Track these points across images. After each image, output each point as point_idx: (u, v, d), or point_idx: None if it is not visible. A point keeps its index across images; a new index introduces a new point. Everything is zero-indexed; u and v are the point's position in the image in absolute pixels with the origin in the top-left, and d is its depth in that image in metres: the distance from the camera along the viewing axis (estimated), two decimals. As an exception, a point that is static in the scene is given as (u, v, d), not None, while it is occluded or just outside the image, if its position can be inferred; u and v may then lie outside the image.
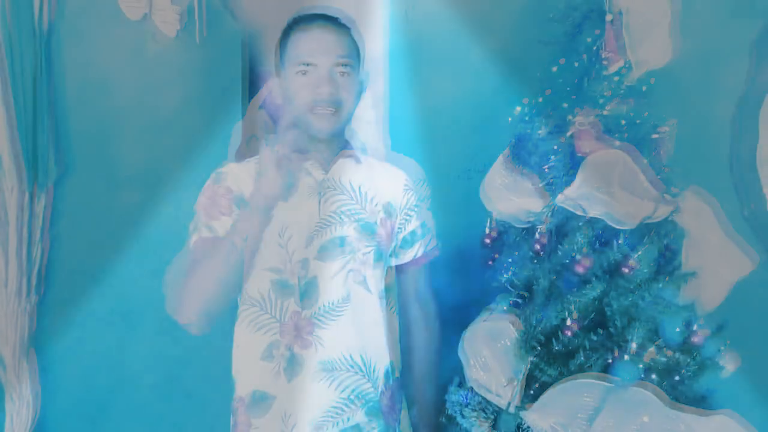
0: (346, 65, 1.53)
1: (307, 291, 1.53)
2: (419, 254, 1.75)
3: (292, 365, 1.53)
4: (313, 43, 1.52)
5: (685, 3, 1.89)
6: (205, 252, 1.49)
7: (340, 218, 1.58)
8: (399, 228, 1.70)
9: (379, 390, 1.61)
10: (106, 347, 2.28)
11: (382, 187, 1.68)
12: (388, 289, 1.68)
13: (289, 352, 1.53)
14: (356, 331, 1.56)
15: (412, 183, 1.75)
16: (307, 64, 1.51)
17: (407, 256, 1.74)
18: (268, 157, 1.38)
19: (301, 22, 1.56)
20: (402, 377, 1.71)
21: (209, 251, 1.48)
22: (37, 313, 2.16)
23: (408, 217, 1.72)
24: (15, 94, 2.08)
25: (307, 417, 1.52)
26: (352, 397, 1.55)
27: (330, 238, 1.56)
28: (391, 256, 1.71)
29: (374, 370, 1.60)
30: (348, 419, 1.55)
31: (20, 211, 2.10)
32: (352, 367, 1.55)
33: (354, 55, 1.57)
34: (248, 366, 1.58)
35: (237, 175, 1.59)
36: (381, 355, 1.62)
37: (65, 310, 2.21)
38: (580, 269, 1.67)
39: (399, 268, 1.74)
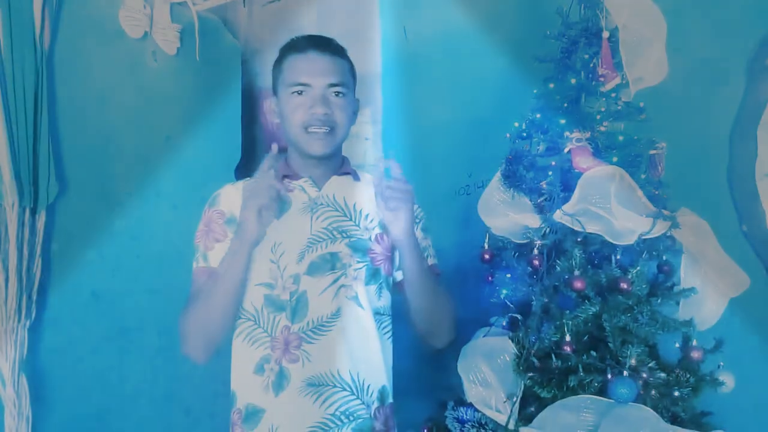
0: (340, 86, 1.55)
1: (297, 306, 1.54)
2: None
3: (280, 380, 1.53)
4: (308, 65, 1.55)
5: (680, 20, 1.90)
6: (204, 284, 1.54)
7: (332, 235, 1.58)
8: None
9: (372, 410, 1.60)
10: (105, 364, 2.27)
11: None
12: (385, 309, 1.67)
13: (278, 367, 1.54)
14: (346, 347, 1.56)
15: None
16: (302, 85, 1.54)
17: None
18: (249, 205, 1.44)
19: (296, 45, 1.59)
20: (396, 402, 1.70)
21: (207, 283, 1.53)
22: (36, 330, 2.15)
23: None
24: (16, 111, 2.09)
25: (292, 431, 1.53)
26: (338, 414, 1.54)
27: (320, 253, 1.57)
28: (397, 270, 1.71)
29: (366, 389, 1.58)
30: None
31: (20, 227, 2.10)
32: (339, 383, 1.55)
33: (348, 78, 1.60)
34: (243, 379, 1.59)
35: (230, 197, 1.61)
36: (375, 375, 1.61)
37: (64, 327, 2.20)
38: (576, 287, 1.67)
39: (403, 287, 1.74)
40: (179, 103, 2.41)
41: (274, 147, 1.48)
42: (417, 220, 1.73)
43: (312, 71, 1.54)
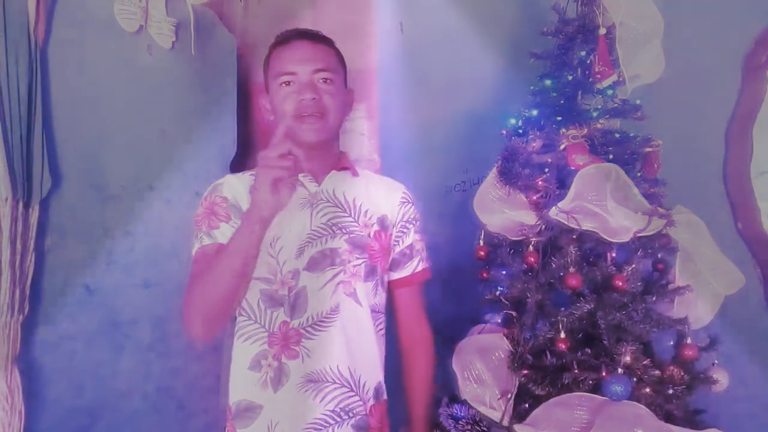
0: (326, 72, 1.55)
1: (296, 302, 1.54)
2: (418, 269, 1.74)
3: (279, 376, 1.53)
4: (292, 54, 1.56)
5: (677, 18, 1.90)
6: (208, 261, 1.48)
7: (332, 230, 1.58)
8: (395, 241, 1.70)
9: (369, 406, 1.60)
10: (98, 358, 2.26)
11: (378, 200, 1.68)
12: (380, 307, 1.67)
13: (277, 363, 1.53)
14: (345, 343, 1.56)
15: (410, 196, 1.75)
16: (289, 74, 1.54)
17: (405, 271, 1.73)
18: (263, 176, 1.35)
19: (282, 38, 1.61)
20: (389, 399, 1.70)
21: (211, 260, 1.47)
22: (29, 324, 2.14)
23: (405, 230, 1.71)
24: (10, 105, 2.08)
25: (292, 427, 1.52)
26: (337, 410, 1.54)
27: (320, 249, 1.56)
28: (390, 269, 1.71)
29: (363, 386, 1.58)
30: None
31: (14, 221, 2.09)
32: (339, 380, 1.55)
33: (335, 65, 1.60)
34: (237, 375, 1.59)
35: (233, 186, 1.60)
36: (372, 371, 1.61)
37: (57, 322, 2.19)
38: (571, 284, 1.67)
39: (394, 288, 1.74)
40: (174, 97, 2.39)
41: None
42: (414, 222, 1.73)
43: (297, 59, 1.55)
